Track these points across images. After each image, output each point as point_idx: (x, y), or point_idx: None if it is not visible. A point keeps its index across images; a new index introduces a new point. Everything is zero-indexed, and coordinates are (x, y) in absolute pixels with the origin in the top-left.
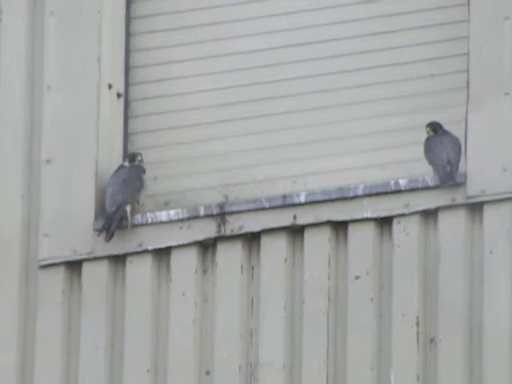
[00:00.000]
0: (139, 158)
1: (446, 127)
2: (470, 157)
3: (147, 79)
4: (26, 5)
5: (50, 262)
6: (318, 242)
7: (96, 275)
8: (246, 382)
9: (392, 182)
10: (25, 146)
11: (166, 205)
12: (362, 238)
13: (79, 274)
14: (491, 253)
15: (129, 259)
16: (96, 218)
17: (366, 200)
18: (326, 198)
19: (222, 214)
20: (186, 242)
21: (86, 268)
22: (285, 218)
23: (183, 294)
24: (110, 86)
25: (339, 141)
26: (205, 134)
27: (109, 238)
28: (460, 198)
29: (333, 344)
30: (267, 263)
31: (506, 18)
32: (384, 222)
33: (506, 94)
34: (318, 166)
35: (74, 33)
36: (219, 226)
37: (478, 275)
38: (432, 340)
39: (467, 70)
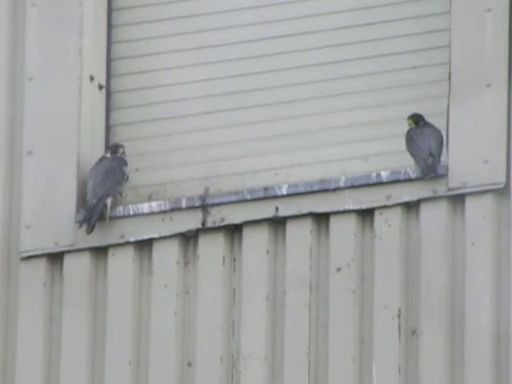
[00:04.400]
0: (121, 149)
1: (427, 119)
2: (452, 149)
3: (129, 71)
4: None
5: (32, 253)
6: (299, 234)
7: (78, 267)
8: (227, 374)
9: (374, 174)
10: (6, 137)
11: (148, 197)
12: (343, 229)
13: (61, 266)
14: (473, 244)
15: (111, 251)
16: (77, 209)
17: (348, 192)
18: (308, 190)
19: (204, 206)
20: (167, 233)
21: (68, 260)
22: (267, 210)
23: (165, 286)
24: (91, 78)
25: (321, 133)
26: (186, 126)
27: (90, 230)
28: (442, 190)
29: (314, 335)
30: (249, 255)
31: (488, 10)
32: (366, 214)
33: (488, 85)
34: (299, 158)
35: (56, 24)
36: (202, 217)
37: (460, 267)
38: (414, 332)
39: (449, 62)
